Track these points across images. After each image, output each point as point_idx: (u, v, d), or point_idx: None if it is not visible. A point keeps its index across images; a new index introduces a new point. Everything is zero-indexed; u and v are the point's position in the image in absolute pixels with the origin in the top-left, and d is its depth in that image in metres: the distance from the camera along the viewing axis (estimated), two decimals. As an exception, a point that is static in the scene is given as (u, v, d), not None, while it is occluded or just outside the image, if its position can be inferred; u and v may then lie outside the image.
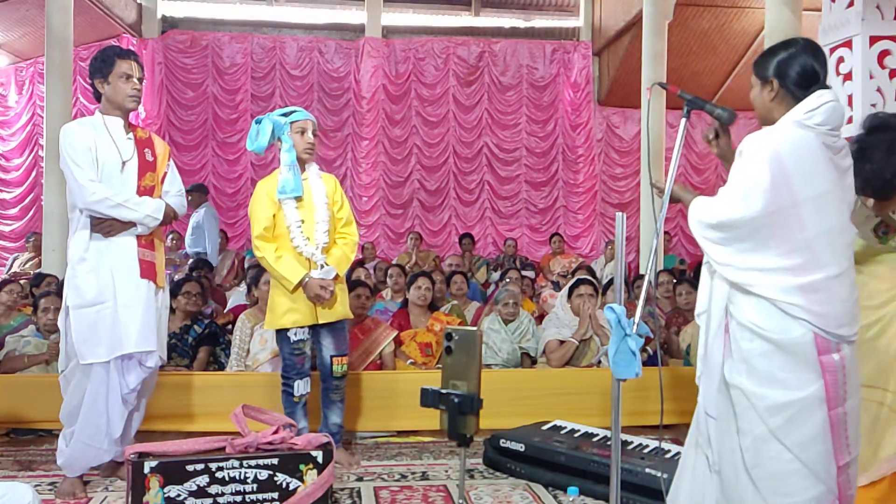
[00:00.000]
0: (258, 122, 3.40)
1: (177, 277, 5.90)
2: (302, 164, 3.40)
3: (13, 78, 10.61)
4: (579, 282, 4.74)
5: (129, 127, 3.17)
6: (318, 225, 3.35)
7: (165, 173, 3.25)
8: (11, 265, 8.93)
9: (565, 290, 4.81)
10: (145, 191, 3.11)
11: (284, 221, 3.30)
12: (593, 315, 4.52)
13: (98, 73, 3.09)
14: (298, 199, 3.32)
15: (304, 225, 3.31)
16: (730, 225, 1.97)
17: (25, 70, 10.56)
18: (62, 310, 3.10)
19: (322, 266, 3.31)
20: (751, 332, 1.97)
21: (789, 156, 1.95)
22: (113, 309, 3.00)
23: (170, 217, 3.19)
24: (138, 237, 3.09)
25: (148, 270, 3.10)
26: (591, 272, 7.29)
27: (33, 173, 10.36)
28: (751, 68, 2.19)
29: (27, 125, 10.54)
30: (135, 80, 3.08)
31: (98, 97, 3.14)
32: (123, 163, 3.07)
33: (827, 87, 2.07)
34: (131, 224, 3.05)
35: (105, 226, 3.02)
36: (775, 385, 1.94)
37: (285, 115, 3.40)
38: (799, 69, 2.06)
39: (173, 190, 3.27)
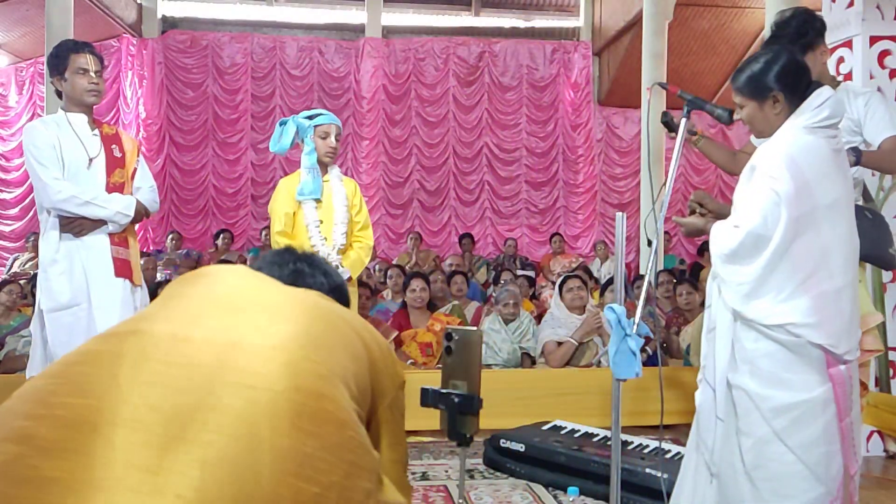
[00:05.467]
0: (283, 123, 3.42)
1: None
2: (324, 166, 3.44)
3: (13, 78, 10.61)
4: (566, 278, 4.81)
5: (95, 123, 3.07)
6: (337, 227, 3.38)
7: (135, 169, 3.16)
8: (11, 265, 8.93)
9: (556, 289, 4.83)
10: (115, 187, 3.02)
11: (303, 220, 3.34)
12: (594, 315, 4.52)
13: (55, 71, 2.98)
14: (318, 200, 3.37)
15: (323, 225, 3.37)
16: (755, 237, 1.91)
17: (25, 70, 10.56)
18: (35, 314, 3.00)
19: (337, 267, 3.33)
20: (756, 332, 1.96)
21: (805, 162, 1.93)
22: (88, 311, 2.91)
23: (141, 214, 3.09)
24: (111, 235, 2.99)
25: (123, 269, 3.01)
26: (588, 272, 7.30)
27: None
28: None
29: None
30: (91, 73, 2.97)
31: (60, 95, 3.03)
32: (90, 160, 2.97)
33: (818, 84, 2.07)
34: (102, 222, 2.96)
35: (75, 225, 2.93)
36: (780, 386, 1.93)
37: (310, 117, 3.43)
38: (793, 71, 2.05)
39: (144, 186, 3.17)
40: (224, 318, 1.16)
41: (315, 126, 3.40)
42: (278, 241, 3.34)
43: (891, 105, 2.88)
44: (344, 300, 1.49)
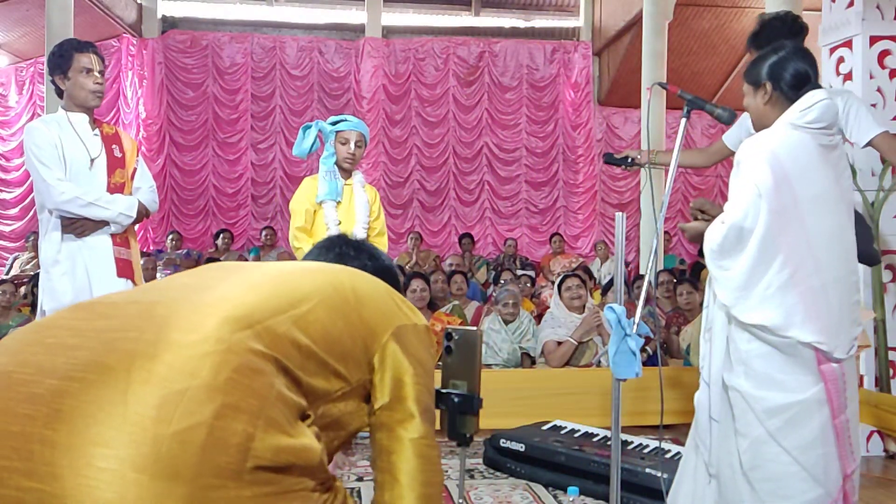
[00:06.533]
0: (307, 127, 3.47)
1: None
2: (346, 171, 3.52)
3: (13, 78, 10.61)
4: (565, 277, 4.82)
5: (95, 123, 3.06)
6: (355, 228, 3.48)
7: (135, 169, 3.15)
8: (11, 265, 8.93)
9: (555, 289, 4.84)
10: (115, 188, 3.01)
11: (323, 220, 3.43)
12: (593, 313, 4.53)
13: (57, 70, 2.95)
14: (337, 203, 3.46)
15: (341, 226, 3.46)
16: (738, 230, 1.92)
17: (25, 70, 10.56)
18: (38, 314, 3.01)
19: None
20: (750, 333, 1.97)
21: (787, 156, 1.94)
22: None
23: (142, 214, 3.08)
24: (112, 236, 2.98)
25: (125, 269, 3.00)
26: (588, 272, 7.30)
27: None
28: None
29: (27, 125, 10.53)
30: (96, 73, 2.95)
31: (61, 94, 3.01)
32: (91, 160, 2.96)
33: (819, 87, 2.07)
34: (104, 223, 2.95)
35: (77, 226, 2.91)
36: (774, 387, 1.93)
37: (334, 123, 3.50)
38: (792, 71, 2.06)
39: (144, 186, 3.16)
40: (187, 286, 1.21)
41: (337, 132, 3.47)
42: (297, 236, 3.42)
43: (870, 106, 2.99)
44: (392, 281, 1.51)
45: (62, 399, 0.95)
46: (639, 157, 2.87)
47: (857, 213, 2.79)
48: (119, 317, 1.10)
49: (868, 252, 2.78)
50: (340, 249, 1.55)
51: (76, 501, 0.90)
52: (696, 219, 2.25)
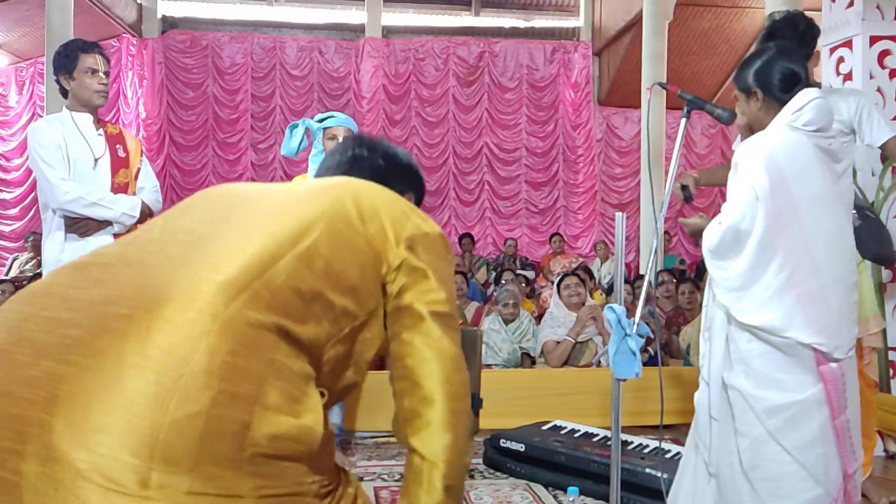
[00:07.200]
0: (293, 126, 3.45)
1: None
2: None
3: (13, 78, 10.62)
4: (564, 276, 4.84)
5: (99, 123, 3.07)
6: None
7: (139, 169, 3.15)
8: (11, 265, 8.93)
9: (555, 289, 4.85)
10: (119, 188, 3.02)
11: None
12: (587, 307, 4.54)
13: (62, 70, 2.97)
14: None
15: None
16: (735, 231, 1.93)
17: (25, 70, 10.57)
18: None
19: None
20: (750, 333, 1.97)
21: (784, 157, 1.94)
22: None
23: (145, 214, 3.07)
24: (115, 236, 2.99)
25: None
26: (589, 272, 7.31)
27: (33, 173, 10.33)
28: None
29: (27, 125, 10.54)
30: (101, 74, 2.98)
31: (65, 94, 3.03)
32: (95, 160, 2.97)
33: (810, 86, 2.06)
34: (107, 223, 2.95)
35: (80, 226, 2.92)
36: (773, 386, 1.93)
37: (321, 120, 3.46)
38: (779, 75, 2.05)
39: (148, 186, 3.17)
40: (184, 241, 1.15)
41: (324, 129, 3.43)
42: None
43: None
44: (411, 179, 1.45)
45: (59, 384, 0.95)
46: (691, 182, 2.80)
47: (872, 215, 2.79)
48: (114, 283, 1.07)
49: (884, 254, 2.77)
50: (354, 152, 1.47)
51: None
52: (685, 194, 2.26)
